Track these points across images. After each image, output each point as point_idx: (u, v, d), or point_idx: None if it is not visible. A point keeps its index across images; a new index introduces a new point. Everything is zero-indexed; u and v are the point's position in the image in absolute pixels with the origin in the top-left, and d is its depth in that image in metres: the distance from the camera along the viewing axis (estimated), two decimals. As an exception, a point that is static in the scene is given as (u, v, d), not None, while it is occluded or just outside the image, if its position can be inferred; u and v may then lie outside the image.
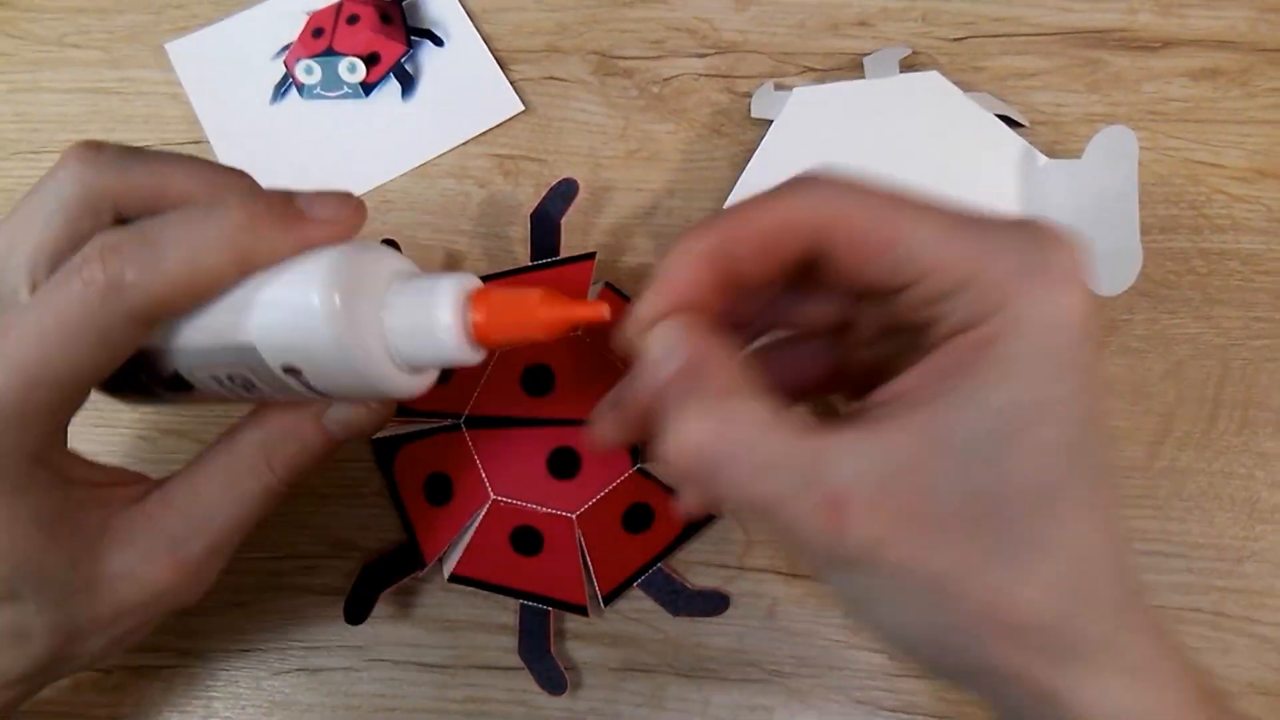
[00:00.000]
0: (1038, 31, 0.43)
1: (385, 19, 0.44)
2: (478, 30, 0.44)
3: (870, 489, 0.21)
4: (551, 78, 0.43)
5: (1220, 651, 0.35)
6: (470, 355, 0.26)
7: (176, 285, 0.24)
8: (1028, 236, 0.23)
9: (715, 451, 0.22)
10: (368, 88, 0.43)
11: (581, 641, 0.36)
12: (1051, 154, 0.38)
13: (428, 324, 0.25)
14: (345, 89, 0.43)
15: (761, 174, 0.39)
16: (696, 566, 0.37)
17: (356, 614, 0.35)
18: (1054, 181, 0.37)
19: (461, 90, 0.43)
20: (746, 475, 0.22)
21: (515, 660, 0.35)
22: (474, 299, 0.25)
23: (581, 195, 0.40)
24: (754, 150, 0.39)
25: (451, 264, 0.41)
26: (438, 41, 0.44)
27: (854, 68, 0.43)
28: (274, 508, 0.29)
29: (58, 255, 0.25)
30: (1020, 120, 0.41)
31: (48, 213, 0.25)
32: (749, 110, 0.42)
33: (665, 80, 0.43)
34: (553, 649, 0.35)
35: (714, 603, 0.36)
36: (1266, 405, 0.38)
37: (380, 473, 0.36)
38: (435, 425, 0.36)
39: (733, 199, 0.39)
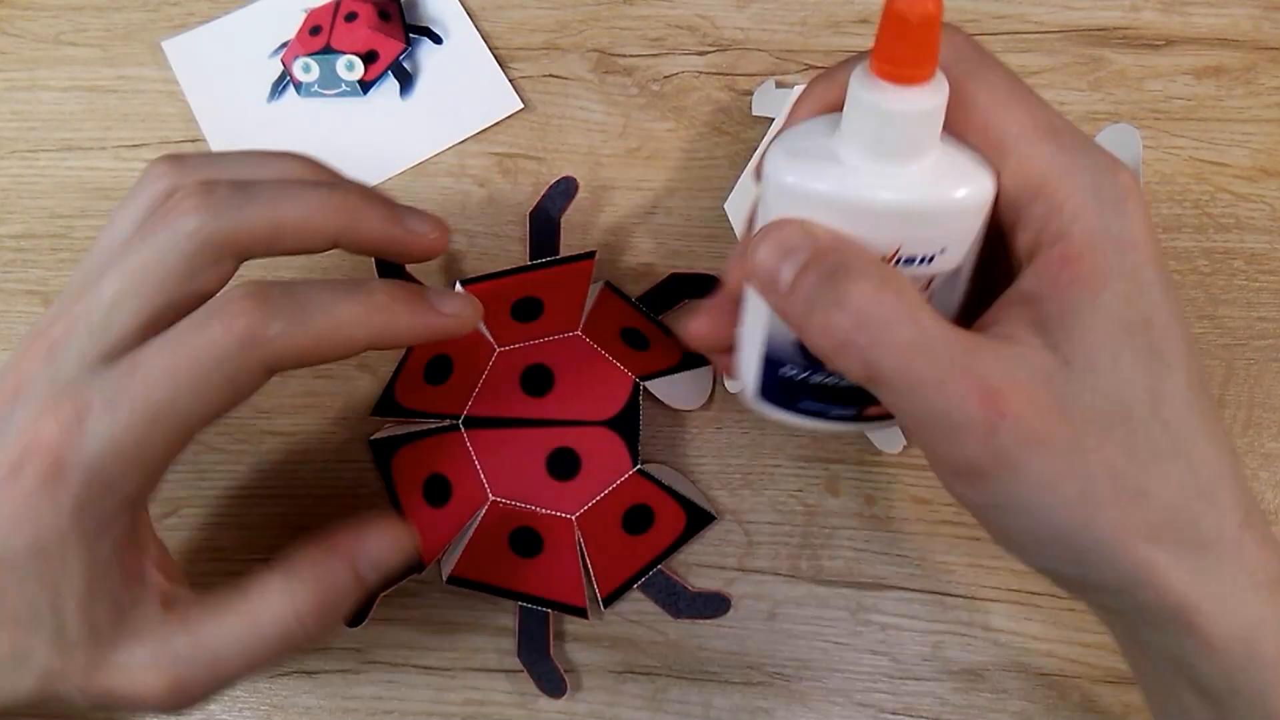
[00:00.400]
0: (1040, 29, 0.43)
1: (383, 16, 0.43)
2: (477, 28, 0.43)
3: (1024, 388, 0.22)
4: (551, 75, 0.43)
5: (1225, 654, 0.35)
6: None
7: (314, 345, 0.25)
8: (1097, 157, 0.23)
9: (879, 316, 0.22)
10: (366, 85, 0.43)
11: (581, 644, 0.36)
12: (1054, 152, 0.38)
13: None
14: (343, 87, 0.42)
15: (762, 172, 0.39)
16: (697, 568, 0.37)
17: (354, 616, 0.35)
18: (1057, 180, 0.37)
19: (460, 88, 0.43)
20: (905, 348, 0.22)
21: (514, 663, 0.35)
22: None
23: (581, 194, 0.40)
24: (755, 149, 0.39)
25: (450, 263, 0.41)
26: (436, 39, 0.43)
27: (855, 66, 0.42)
28: (293, 655, 0.28)
29: (179, 305, 0.26)
30: (1023, 118, 0.41)
31: (169, 262, 0.26)
32: (750, 108, 0.42)
33: (665, 78, 0.43)
34: (552, 651, 0.35)
35: (715, 605, 0.36)
36: (1271, 406, 0.38)
37: (378, 473, 0.36)
38: (433, 426, 0.35)
39: (733, 198, 0.39)
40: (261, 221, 0.27)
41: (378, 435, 0.36)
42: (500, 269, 0.38)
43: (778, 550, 0.37)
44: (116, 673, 0.26)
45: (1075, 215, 0.23)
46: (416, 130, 0.42)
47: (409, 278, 0.38)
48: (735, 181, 0.39)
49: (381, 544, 0.28)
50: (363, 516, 0.29)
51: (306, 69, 0.42)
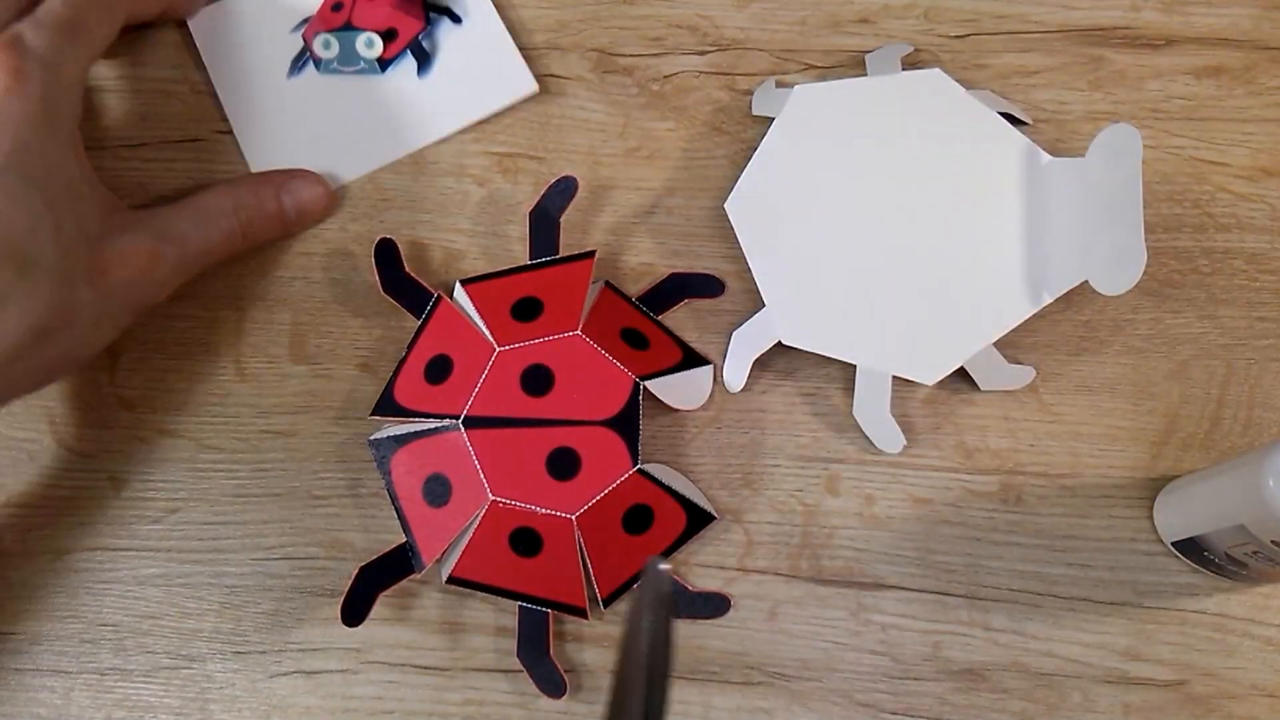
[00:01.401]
0: (1040, 29, 0.42)
1: None
2: (496, 8, 0.44)
3: None
4: (551, 75, 0.43)
5: (1224, 654, 0.35)
6: None
7: None
8: None
9: None
10: (384, 64, 0.43)
11: (581, 644, 0.36)
12: (1055, 152, 0.38)
13: None
14: (362, 64, 0.43)
15: (763, 172, 0.39)
16: (697, 568, 0.37)
17: (354, 615, 0.35)
18: (1057, 180, 0.37)
19: (477, 68, 0.43)
20: None
21: (514, 663, 0.35)
22: None
23: (581, 193, 0.40)
24: (755, 148, 0.39)
25: (450, 262, 0.41)
26: (455, 19, 0.44)
27: (856, 65, 0.42)
28: (231, 252, 0.38)
29: None
30: (1023, 118, 0.41)
31: None
32: (750, 108, 0.42)
33: (665, 78, 0.43)
34: (552, 651, 0.35)
35: (715, 605, 0.36)
36: (1271, 406, 0.38)
37: (378, 473, 0.36)
38: (433, 426, 0.35)
39: (733, 197, 0.39)
40: None
41: (377, 435, 0.36)
42: (500, 268, 0.38)
43: (778, 550, 0.37)
44: (112, 257, 0.33)
45: None
46: (433, 109, 0.42)
47: (404, 271, 0.38)
48: (735, 181, 0.39)
49: (304, 185, 0.39)
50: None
51: (327, 45, 0.43)
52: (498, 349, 0.35)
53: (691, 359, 0.38)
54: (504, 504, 0.34)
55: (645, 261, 0.40)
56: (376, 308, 0.40)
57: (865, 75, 0.41)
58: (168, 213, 0.36)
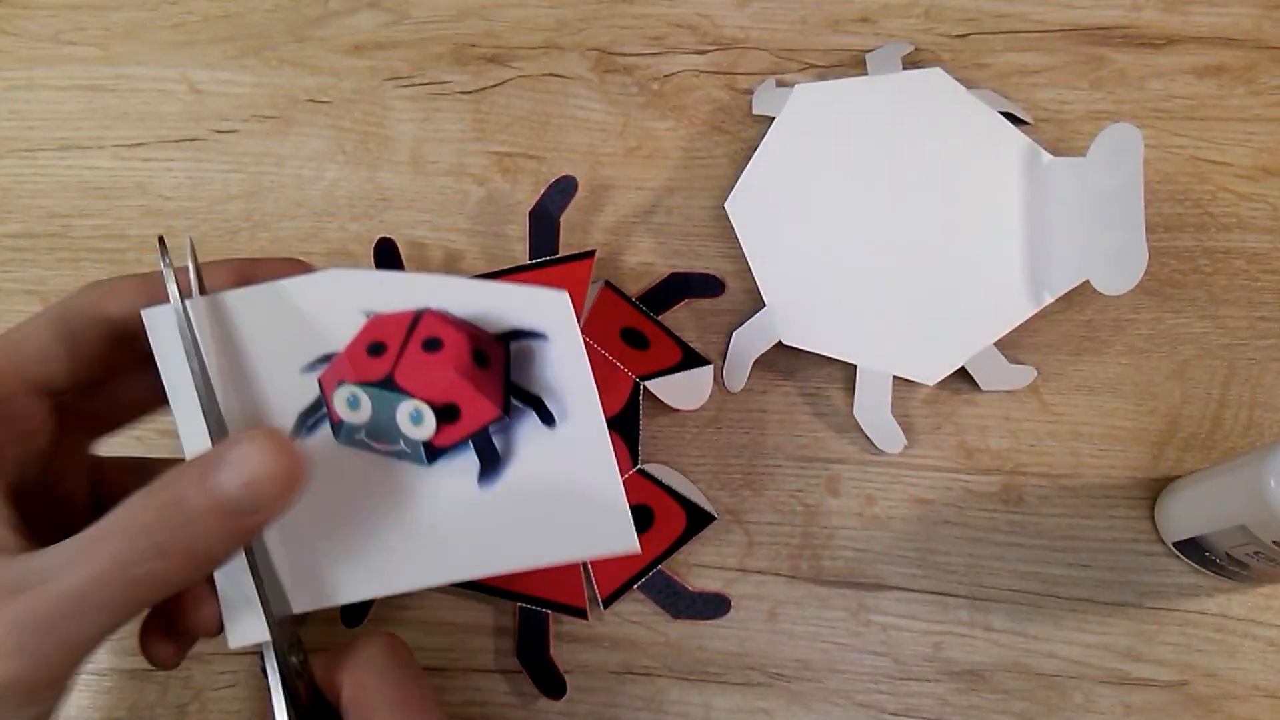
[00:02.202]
0: (1041, 28, 0.42)
1: (479, 360, 0.28)
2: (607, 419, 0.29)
3: None
4: (551, 75, 0.43)
5: (1226, 654, 0.35)
6: None
7: None
8: None
9: None
10: (433, 452, 0.28)
11: (581, 644, 0.36)
12: (1055, 151, 0.38)
13: None
14: (401, 445, 0.28)
15: (763, 172, 0.39)
16: (697, 569, 0.37)
17: (354, 616, 0.35)
18: (1058, 179, 0.37)
19: (564, 496, 0.28)
20: None
21: (514, 663, 0.35)
22: None
23: (581, 193, 0.40)
24: (755, 148, 0.39)
25: (450, 262, 0.40)
26: (548, 418, 0.29)
27: (856, 64, 0.42)
28: (143, 577, 0.23)
29: None
30: (1024, 117, 0.41)
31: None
32: (750, 107, 0.42)
33: (666, 77, 0.43)
34: (552, 652, 0.35)
35: (715, 605, 0.36)
36: (1272, 405, 0.38)
37: None
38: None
39: (734, 197, 0.39)
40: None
41: None
42: (500, 268, 0.38)
43: (778, 550, 0.37)
44: None
45: None
46: (487, 535, 0.28)
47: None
48: (735, 181, 0.39)
49: (249, 455, 0.24)
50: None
51: (354, 404, 0.28)
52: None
53: (691, 359, 0.38)
54: None
55: (645, 261, 0.40)
56: (376, 307, 0.40)
57: (865, 75, 0.40)
58: (43, 550, 0.23)
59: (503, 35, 0.44)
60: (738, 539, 0.37)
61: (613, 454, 0.28)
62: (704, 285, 0.39)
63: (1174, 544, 0.36)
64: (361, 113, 0.43)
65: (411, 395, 0.28)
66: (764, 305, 0.38)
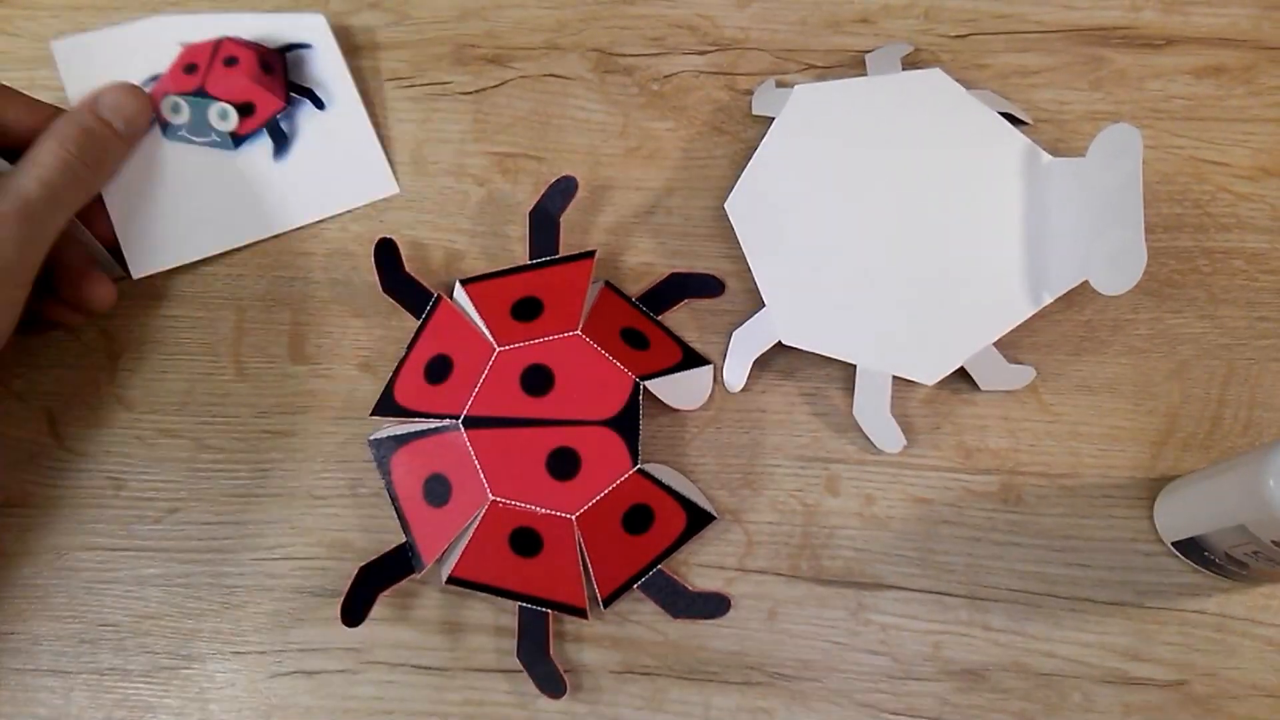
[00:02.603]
0: (1041, 29, 0.42)
1: (265, 68, 0.40)
2: (362, 96, 0.41)
3: None
4: (551, 75, 0.43)
5: (1225, 654, 0.35)
6: None
7: None
8: None
9: None
10: (238, 139, 0.40)
11: (581, 644, 0.36)
12: (1055, 152, 0.38)
13: None
14: (214, 136, 0.39)
15: (763, 172, 0.39)
16: (697, 568, 0.37)
17: (353, 615, 0.35)
18: (1057, 179, 0.37)
19: (337, 160, 0.40)
20: None
21: (514, 663, 0.35)
22: None
23: (581, 193, 0.40)
24: (755, 148, 0.39)
25: (450, 262, 0.40)
26: (319, 103, 0.41)
27: (856, 65, 0.42)
28: (82, 192, 0.36)
29: None
30: (1023, 118, 0.41)
31: None
32: (750, 108, 0.42)
33: (665, 77, 0.43)
34: (552, 651, 0.35)
35: (715, 605, 0.36)
36: (1271, 405, 0.38)
37: (378, 473, 0.36)
38: (433, 426, 0.35)
39: (733, 197, 0.39)
40: None
41: (377, 435, 0.36)
42: (500, 268, 0.38)
43: (778, 550, 0.37)
44: None
45: None
46: (285, 196, 0.40)
47: (405, 274, 0.38)
48: (735, 181, 0.39)
49: (115, 93, 0.37)
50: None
51: (176, 109, 0.39)
52: (497, 349, 0.35)
53: (691, 359, 0.38)
54: (504, 504, 0.34)
55: (645, 261, 0.40)
56: (376, 308, 0.40)
57: (865, 75, 0.41)
58: (5, 179, 0.34)
59: (503, 36, 0.44)
60: (738, 539, 0.37)
61: (369, 123, 0.41)
62: (704, 285, 0.39)
63: (1173, 544, 0.36)
64: (362, 113, 0.43)
65: (218, 99, 0.39)
66: (764, 305, 0.38)
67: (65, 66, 0.41)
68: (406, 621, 0.36)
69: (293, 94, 0.41)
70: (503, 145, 0.42)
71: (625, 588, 0.35)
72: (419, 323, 0.37)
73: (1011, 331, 0.36)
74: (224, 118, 0.39)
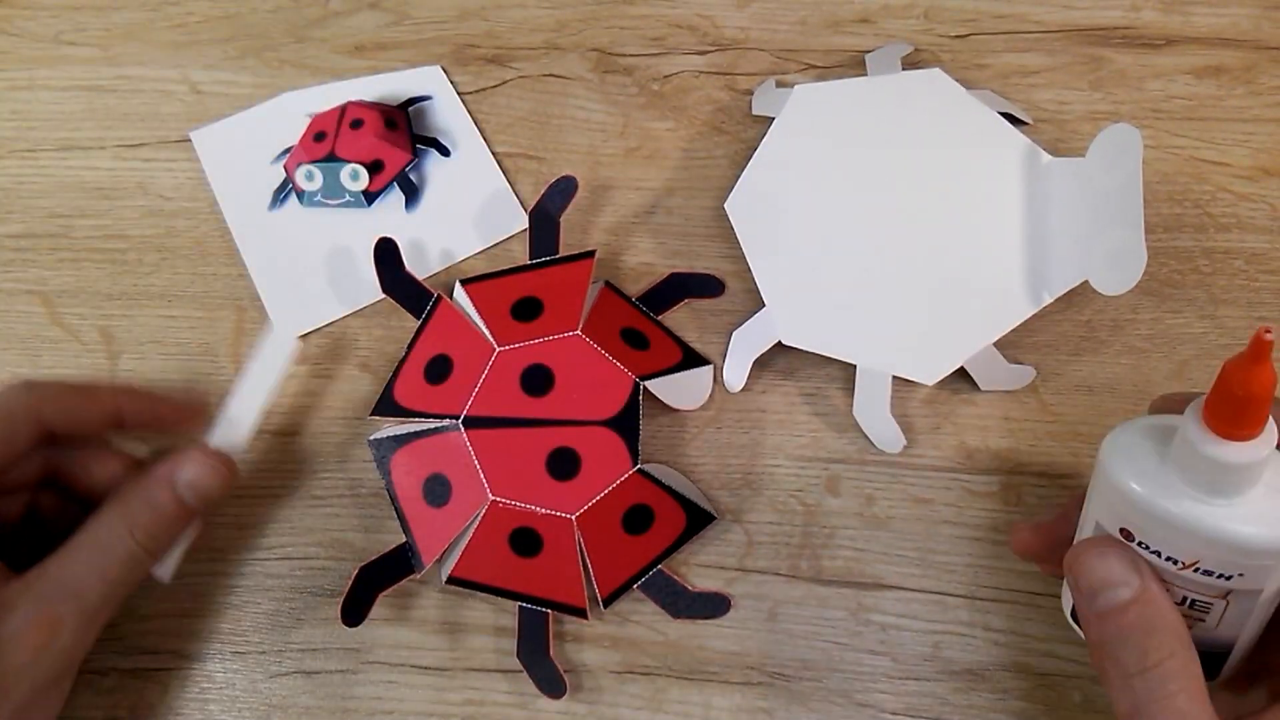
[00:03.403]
0: (1040, 29, 0.42)
1: (390, 125, 0.42)
2: (485, 141, 0.42)
3: None
4: (551, 75, 0.43)
5: (1225, 654, 0.35)
6: None
7: None
8: None
9: (1165, 695, 0.25)
10: (370, 196, 0.41)
11: (581, 644, 0.36)
12: (1055, 152, 0.38)
13: None
14: (347, 197, 0.41)
15: (763, 172, 0.39)
16: (697, 568, 0.37)
17: (353, 616, 0.35)
18: (1057, 179, 0.37)
19: (467, 202, 0.41)
20: None
21: (514, 663, 0.35)
22: None
23: (581, 193, 0.40)
24: (755, 148, 0.39)
25: (450, 261, 0.40)
26: (444, 151, 0.42)
27: (856, 65, 0.42)
28: (141, 574, 0.32)
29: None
30: (1023, 118, 0.41)
31: None
32: (750, 108, 0.42)
33: (665, 77, 0.43)
34: (552, 651, 0.35)
35: (715, 605, 0.36)
36: (1271, 405, 0.38)
37: (378, 473, 0.36)
38: (433, 426, 0.35)
39: (733, 197, 0.39)
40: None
41: (377, 435, 0.36)
42: (500, 269, 0.38)
43: (778, 550, 0.37)
44: (6, 648, 0.29)
45: None
46: (421, 244, 0.41)
47: (406, 275, 0.38)
48: (735, 181, 0.39)
49: (197, 468, 0.33)
50: (181, 449, 0.34)
51: (310, 177, 0.41)
52: (498, 349, 0.35)
53: (691, 359, 0.38)
54: (504, 504, 0.34)
55: (645, 261, 0.40)
56: (376, 307, 0.40)
57: (865, 75, 0.41)
58: (56, 564, 0.31)
59: (503, 36, 0.44)
60: (738, 539, 0.37)
61: (494, 161, 0.41)
62: (704, 285, 0.39)
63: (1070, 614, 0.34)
64: (362, 113, 0.43)
65: (348, 161, 0.40)
66: (764, 305, 0.38)
67: (204, 153, 0.42)
68: (406, 621, 0.36)
69: (419, 145, 0.42)
70: (503, 145, 0.42)
71: (625, 588, 0.35)
72: (419, 323, 0.37)
73: (1011, 331, 0.36)
74: (355, 178, 0.40)
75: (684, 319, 0.40)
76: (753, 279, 0.38)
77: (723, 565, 0.37)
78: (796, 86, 0.39)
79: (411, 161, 0.41)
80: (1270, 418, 0.25)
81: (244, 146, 0.42)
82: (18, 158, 0.43)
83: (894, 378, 0.37)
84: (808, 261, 0.38)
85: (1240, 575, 0.26)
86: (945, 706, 0.35)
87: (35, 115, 0.43)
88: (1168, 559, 0.27)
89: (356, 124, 0.41)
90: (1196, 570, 0.26)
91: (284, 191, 0.41)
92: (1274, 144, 0.41)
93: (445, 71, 0.42)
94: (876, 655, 0.36)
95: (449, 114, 0.42)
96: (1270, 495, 0.26)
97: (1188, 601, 0.27)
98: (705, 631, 0.36)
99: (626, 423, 0.35)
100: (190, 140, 0.43)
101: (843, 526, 0.37)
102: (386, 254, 0.38)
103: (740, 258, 0.38)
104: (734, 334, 0.38)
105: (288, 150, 0.42)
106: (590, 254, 0.37)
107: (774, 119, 0.39)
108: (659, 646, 0.36)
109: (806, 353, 0.37)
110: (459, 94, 0.43)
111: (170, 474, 0.33)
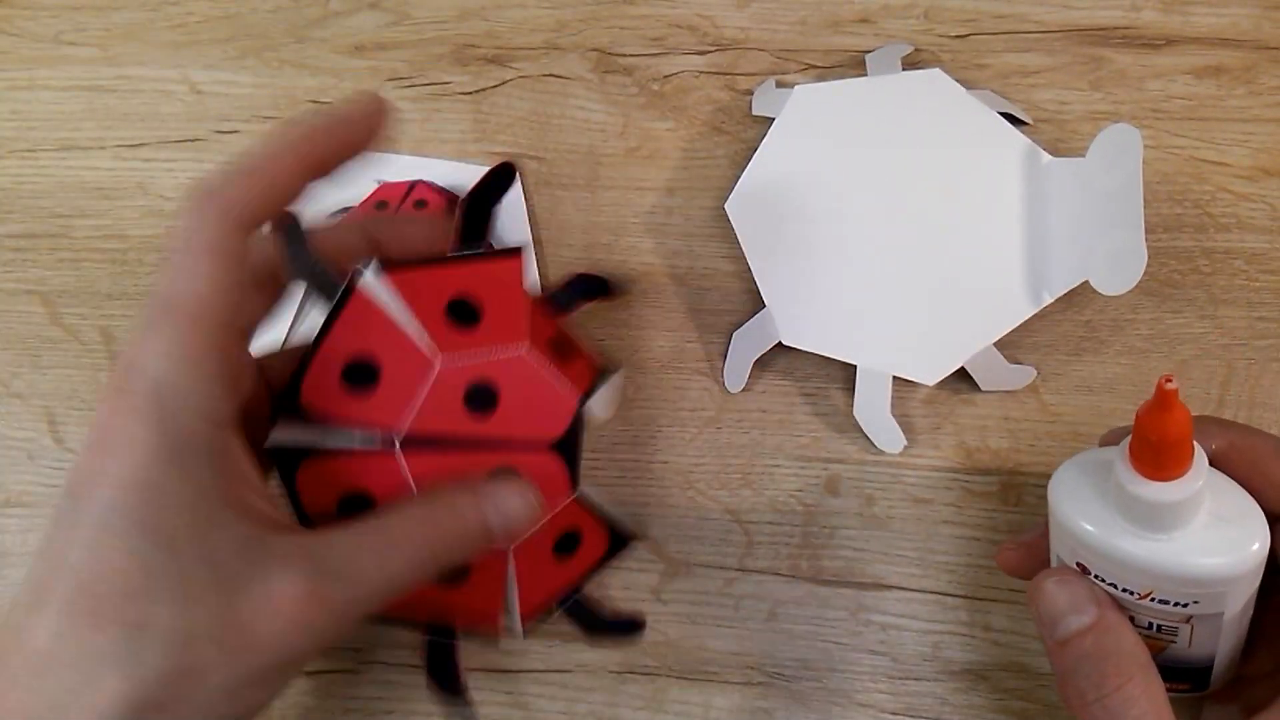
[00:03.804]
0: (1040, 29, 0.42)
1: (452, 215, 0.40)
2: (537, 257, 0.40)
3: None
4: (551, 75, 0.43)
5: (1225, 654, 0.35)
6: None
7: None
8: None
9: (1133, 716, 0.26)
10: None
11: (581, 644, 0.36)
12: (1055, 152, 0.38)
13: None
14: None
15: (763, 172, 0.39)
16: (697, 569, 0.37)
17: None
18: (1057, 180, 0.37)
19: None
20: None
21: (514, 663, 0.35)
22: None
23: (581, 193, 0.40)
24: (755, 148, 0.39)
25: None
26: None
27: (856, 65, 0.42)
28: (411, 589, 0.28)
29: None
30: (1023, 118, 0.41)
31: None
32: (750, 108, 0.42)
33: (665, 77, 0.43)
34: (463, 678, 0.33)
35: (628, 628, 0.35)
36: (1271, 406, 0.38)
37: (280, 486, 0.30)
38: (358, 440, 0.30)
39: (733, 197, 0.39)
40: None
41: (279, 441, 0.30)
42: (419, 258, 0.32)
43: (778, 550, 0.37)
44: (254, 606, 0.24)
45: None
46: None
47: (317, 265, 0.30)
48: (735, 181, 0.39)
49: (512, 496, 0.29)
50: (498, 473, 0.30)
51: None
52: (439, 362, 0.30)
53: (604, 369, 0.34)
54: None
55: (645, 261, 0.40)
56: (376, 308, 0.40)
57: (865, 75, 0.41)
58: (339, 537, 0.27)
59: (503, 36, 0.44)
60: (738, 539, 0.37)
61: (537, 280, 0.37)
62: (599, 287, 0.37)
63: None
64: (362, 113, 0.43)
65: None
66: (764, 305, 0.38)
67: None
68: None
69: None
70: (503, 145, 0.42)
71: (547, 614, 0.34)
72: (329, 311, 0.30)
73: (1011, 331, 0.36)
74: None
75: (684, 320, 0.40)
76: (753, 279, 0.38)
77: (723, 565, 0.37)
78: (796, 87, 0.39)
79: None
80: (1197, 451, 0.25)
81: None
82: (18, 158, 0.43)
83: (894, 378, 0.37)
84: (808, 261, 0.38)
85: (1196, 602, 0.26)
86: (945, 706, 0.35)
87: (35, 115, 0.43)
88: (1124, 590, 0.27)
89: (420, 204, 0.40)
90: (1153, 600, 0.27)
91: None
92: (1274, 144, 0.41)
93: (521, 175, 0.40)
94: (876, 655, 0.36)
95: (511, 217, 0.40)
96: (1213, 524, 0.26)
97: (1154, 627, 0.28)
98: (705, 631, 0.36)
99: (568, 446, 0.32)
100: (191, 142, 0.43)
101: (843, 526, 0.37)
102: (293, 233, 0.30)
103: (740, 258, 0.38)
104: (734, 334, 0.38)
105: (346, 209, 0.40)
106: (517, 250, 0.32)
107: (774, 119, 0.39)
108: (659, 646, 0.36)
109: (806, 353, 0.37)
110: (461, 92, 0.43)
111: (483, 492, 0.29)
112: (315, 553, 0.26)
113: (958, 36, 0.43)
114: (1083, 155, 0.36)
